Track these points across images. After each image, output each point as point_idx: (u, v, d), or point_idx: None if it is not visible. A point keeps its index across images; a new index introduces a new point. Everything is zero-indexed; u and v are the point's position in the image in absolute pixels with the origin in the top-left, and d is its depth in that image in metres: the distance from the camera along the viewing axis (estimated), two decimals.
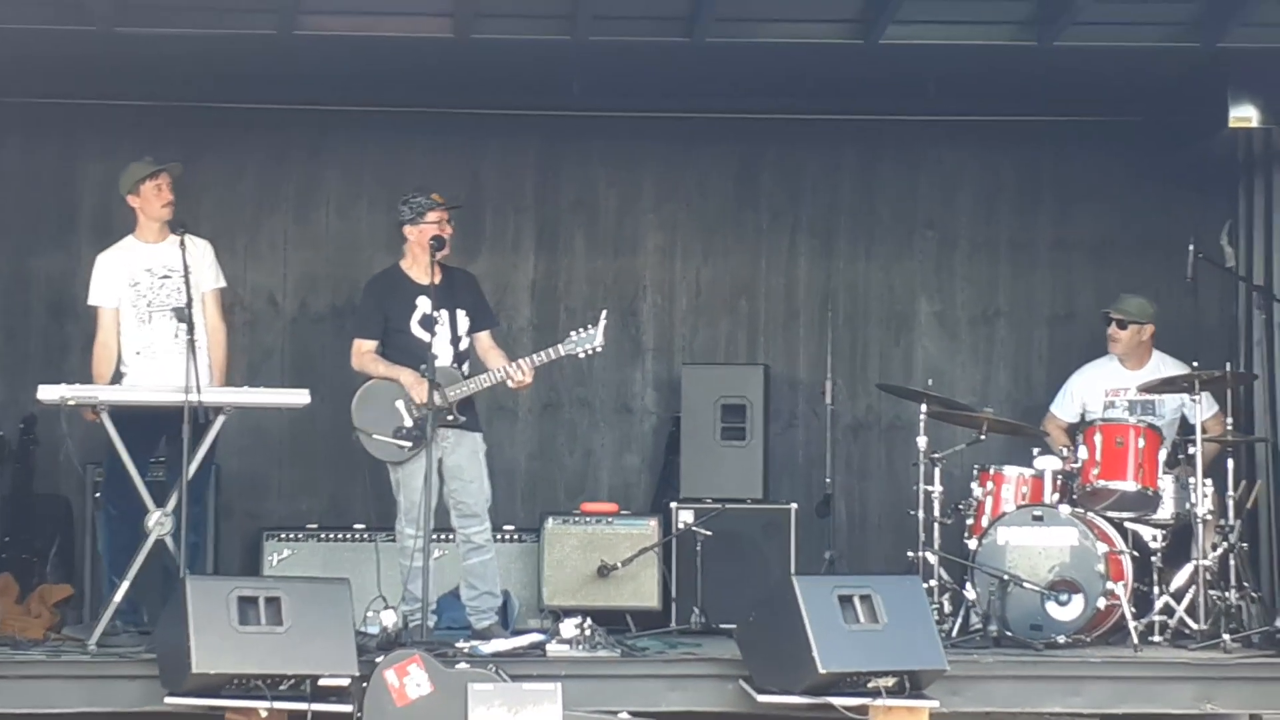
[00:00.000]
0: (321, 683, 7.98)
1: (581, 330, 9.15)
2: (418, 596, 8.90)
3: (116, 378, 9.19)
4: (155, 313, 9.19)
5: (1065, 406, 10.26)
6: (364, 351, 9.27)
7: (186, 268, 8.98)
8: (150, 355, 9.15)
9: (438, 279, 9.18)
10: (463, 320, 9.31)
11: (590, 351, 9.16)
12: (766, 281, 11.17)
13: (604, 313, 9.24)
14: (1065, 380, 10.36)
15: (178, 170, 9.36)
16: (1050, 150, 11.17)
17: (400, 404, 9.13)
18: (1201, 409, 9.52)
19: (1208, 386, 9.49)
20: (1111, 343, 10.16)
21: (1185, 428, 9.88)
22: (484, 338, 9.37)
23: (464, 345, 9.32)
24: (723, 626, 9.47)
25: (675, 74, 10.25)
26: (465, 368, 9.28)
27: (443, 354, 9.18)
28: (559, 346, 9.16)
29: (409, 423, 9.11)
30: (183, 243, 9.05)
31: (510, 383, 9.17)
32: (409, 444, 9.08)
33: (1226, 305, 10.77)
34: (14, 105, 10.42)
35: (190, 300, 8.93)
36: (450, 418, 9.05)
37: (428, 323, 9.20)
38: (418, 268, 9.30)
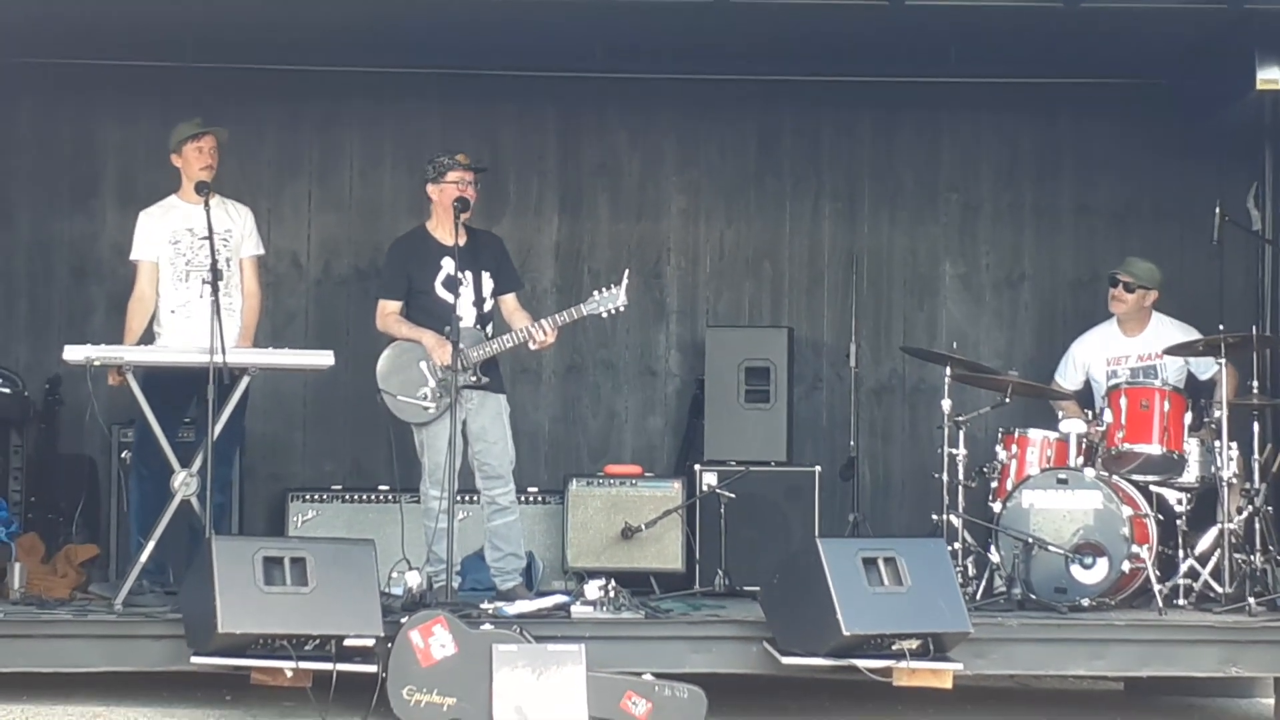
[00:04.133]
0: (347, 643, 8.00)
1: (604, 290, 9.13)
2: (442, 558, 8.89)
3: (150, 337, 9.23)
4: (193, 272, 9.23)
5: (1069, 374, 10.25)
6: (388, 313, 9.27)
7: (211, 229, 9.00)
8: (185, 315, 9.20)
9: (462, 240, 9.17)
10: (487, 282, 9.29)
11: (613, 311, 9.13)
12: (790, 244, 11.15)
13: (626, 272, 9.22)
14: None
15: (223, 135, 9.39)
16: (1073, 113, 11.12)
17: (424, 365, 9.13)
18: (1214, 369, 9.50)
19: (1233, 350, 9.46)
20: (1114, 303, 10.13)
21: (1192, 385, 9.87)
22: (510, 300, 9.36)
23: (488, 307, 9.30)
24: (746, 589, 9.49)
25: (698, 36, 10.21)
26: (489, 329, 9.27)
27: (466, 315, 9.18)
28: (581, 306, 9.14)
29: (432, 384, 9.11)
30: (207, 204, 9.06)
31: (532, 343, 9.16)
32: (432, 405, 9.08)
33: (1252, 268, 10.72)
34: (33, 66, 10.42)
35: (215, 261, 8.95)
36: (474, 378, 9.05)
37: (451, 284, 9.20)
38: (442, 229, 9.28)
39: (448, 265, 9.21)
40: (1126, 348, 10.13)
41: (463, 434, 9.11)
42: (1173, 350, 9.78)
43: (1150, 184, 11.12)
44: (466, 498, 9.39)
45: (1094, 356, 10.19)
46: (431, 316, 9.18)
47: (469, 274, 9.23)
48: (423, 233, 9.36)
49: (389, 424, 9.26)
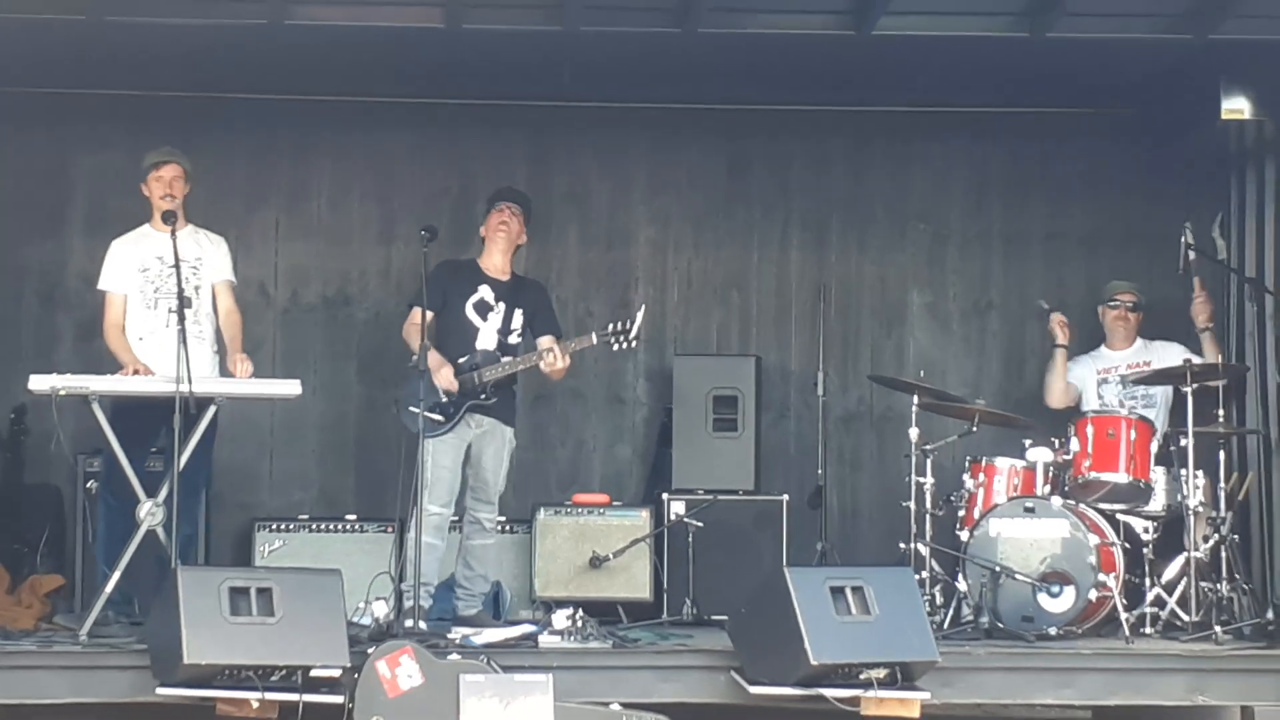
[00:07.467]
0: (313, 674, 7.97)
1: (620, 323, 9.27)
2: (425, 577, 8.94)
3: (117, 364, 9.19)
4: (161, 300, 9.22)
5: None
6: (413, 321, 9.37)
7: (178, 257, 8.99)
8: (154, 342, 9.18)
9: (506, 276, 9.40)
10: (518, 318, 9.47)
11: (625, 346, 9.29)
12: (758, 273, 11.17)
13: (643, 307, 9.46)
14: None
15: (186, 164, 9.40)
16: (1041, 142, 11.16)
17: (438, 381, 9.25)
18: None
19: (1199, 379, 9.49)
20: (1120, 324, 10.25)
21: (1179, 398, 9.91)
22: (546, 340, 9.49)
23: (513, 340, 9.47)
24: (714, 618, 9.49)
25: (666, 65, 10.23)
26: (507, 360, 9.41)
27: (489, 340, 9.34)
28: (593, 335, 9.36)
29: (444, 399, 9.21)
30: (174, 233, 9.05)
31: (544, 365, 9.29)
32: (441, 418, 9.19)
33: (1218, 297, 10.71)
34: (4, 94, 10.39)
35: (182, 289, 8.94)
36: (483, 396, 9.22)
37: (482, 308, 9.39)
38: (489, 261, 9.49)
39: (484, 291, 9.39)
40: (1115, 359, 10.23)
41: (464, 452, 9.26)
42: (1141, 379, 9.83)
43: (1118, 211, 11.16)
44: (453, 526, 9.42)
45: (1086, 376, 10.25)
46: (454, 336, 9.35)
47: (503, 305, 9.42)
48: (471, 261, 9.59)
49: (401, 445, 9.20)
